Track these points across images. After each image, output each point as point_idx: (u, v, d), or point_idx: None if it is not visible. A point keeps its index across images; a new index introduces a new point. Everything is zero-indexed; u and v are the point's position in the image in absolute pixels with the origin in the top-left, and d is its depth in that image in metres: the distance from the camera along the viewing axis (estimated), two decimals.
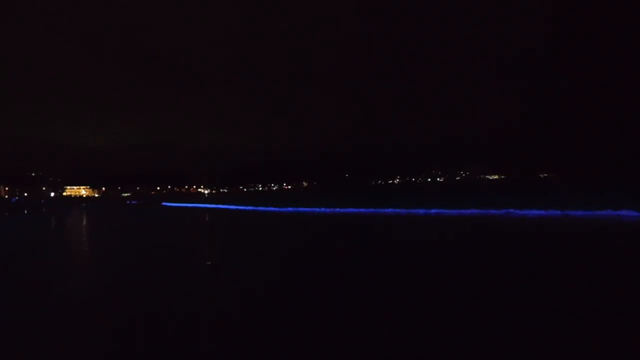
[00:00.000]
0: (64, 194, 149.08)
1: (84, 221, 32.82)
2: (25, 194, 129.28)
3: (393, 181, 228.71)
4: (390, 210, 27.42)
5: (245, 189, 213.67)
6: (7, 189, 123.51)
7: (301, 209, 35.23)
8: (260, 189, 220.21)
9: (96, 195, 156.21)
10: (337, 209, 31.31)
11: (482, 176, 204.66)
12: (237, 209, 43.05)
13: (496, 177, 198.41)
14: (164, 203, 75.19)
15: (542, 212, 19.15)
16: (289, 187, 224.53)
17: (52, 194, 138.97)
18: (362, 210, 29.28)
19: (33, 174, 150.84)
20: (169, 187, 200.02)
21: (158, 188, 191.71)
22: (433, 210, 24.60)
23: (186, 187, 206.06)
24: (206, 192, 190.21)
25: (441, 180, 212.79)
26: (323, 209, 32.45)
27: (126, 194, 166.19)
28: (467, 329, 5.42)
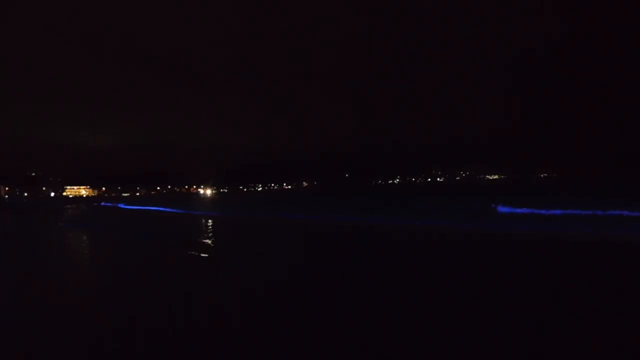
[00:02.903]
0: (64, 194, 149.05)
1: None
2: (25, 194, 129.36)
3: (393, 181, 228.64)
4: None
5: (245, 189, 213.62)
6: (7, 189, 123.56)
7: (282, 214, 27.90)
8: (260, 189, 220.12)
9: (95, 195, 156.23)
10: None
11: (482, 176, 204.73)
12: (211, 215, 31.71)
13: (496, 177, 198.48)
14: (120, 205, 61.58)
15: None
16: (289, 187, 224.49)
17: (52, 194, 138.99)
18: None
19: (33, 174, 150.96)
20: (169, 187, 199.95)
21: (158, 188, 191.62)
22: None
23: (186, 187, 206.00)
24: (206, 192, 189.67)
25: (441, 180, 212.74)
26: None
27: (126, 194, 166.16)
28: (467, 329, 5.42)
